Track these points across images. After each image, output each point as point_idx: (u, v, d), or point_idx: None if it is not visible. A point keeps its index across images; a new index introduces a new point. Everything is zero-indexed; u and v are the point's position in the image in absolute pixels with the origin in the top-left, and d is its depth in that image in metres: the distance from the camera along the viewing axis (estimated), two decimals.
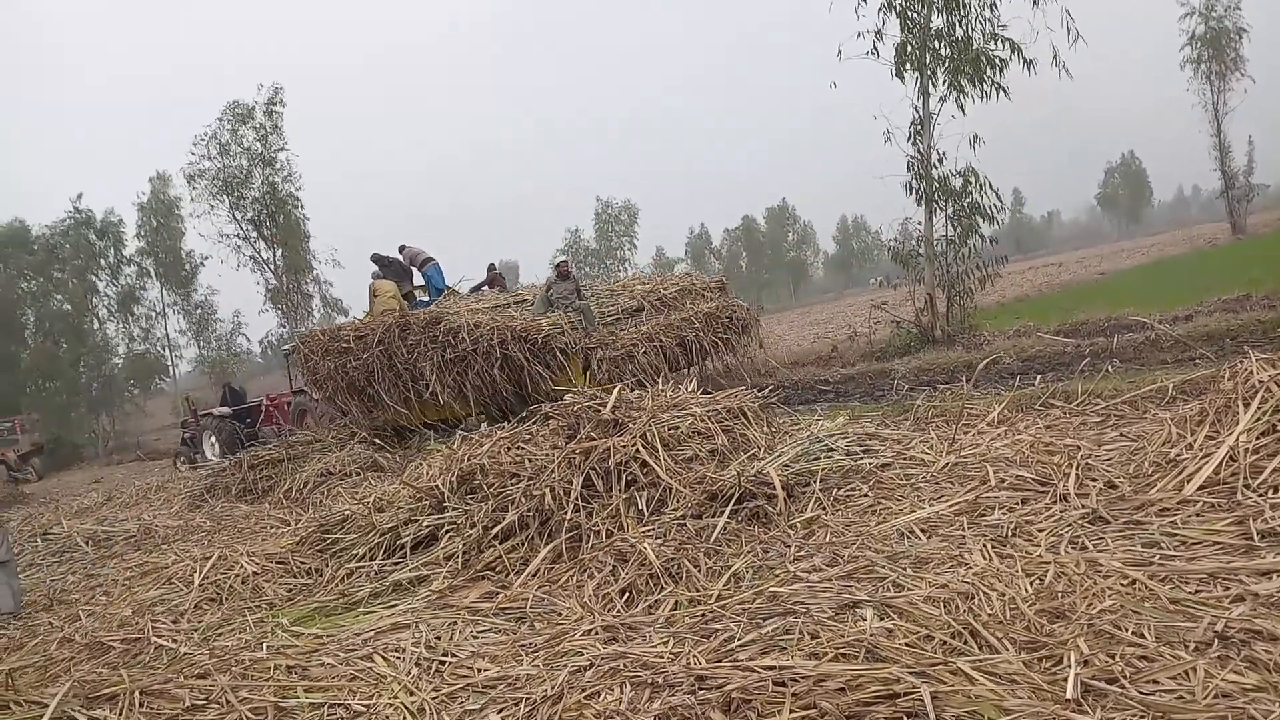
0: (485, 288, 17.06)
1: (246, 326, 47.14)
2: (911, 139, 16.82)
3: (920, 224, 17.46)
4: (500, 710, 3.90)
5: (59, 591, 8.53)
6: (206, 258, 44.11)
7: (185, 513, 12.74)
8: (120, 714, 4.19)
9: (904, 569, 4.51)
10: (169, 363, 48.59)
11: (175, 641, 5.84)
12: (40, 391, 45.85)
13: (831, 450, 6.77)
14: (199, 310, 47.42)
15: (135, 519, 12.52)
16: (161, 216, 45.59)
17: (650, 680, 3.78)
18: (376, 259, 17.32)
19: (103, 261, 46.35)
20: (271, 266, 38.47)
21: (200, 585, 7.17)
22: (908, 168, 16.91)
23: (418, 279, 17.36)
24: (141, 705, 4.32)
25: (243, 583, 7.14)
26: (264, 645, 5.37)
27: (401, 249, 17.37)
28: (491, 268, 18.06)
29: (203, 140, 38.23)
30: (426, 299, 16.49)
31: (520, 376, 13.06)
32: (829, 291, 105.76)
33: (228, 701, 4.33)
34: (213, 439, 21.95)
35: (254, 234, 38.40)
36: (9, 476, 31.66)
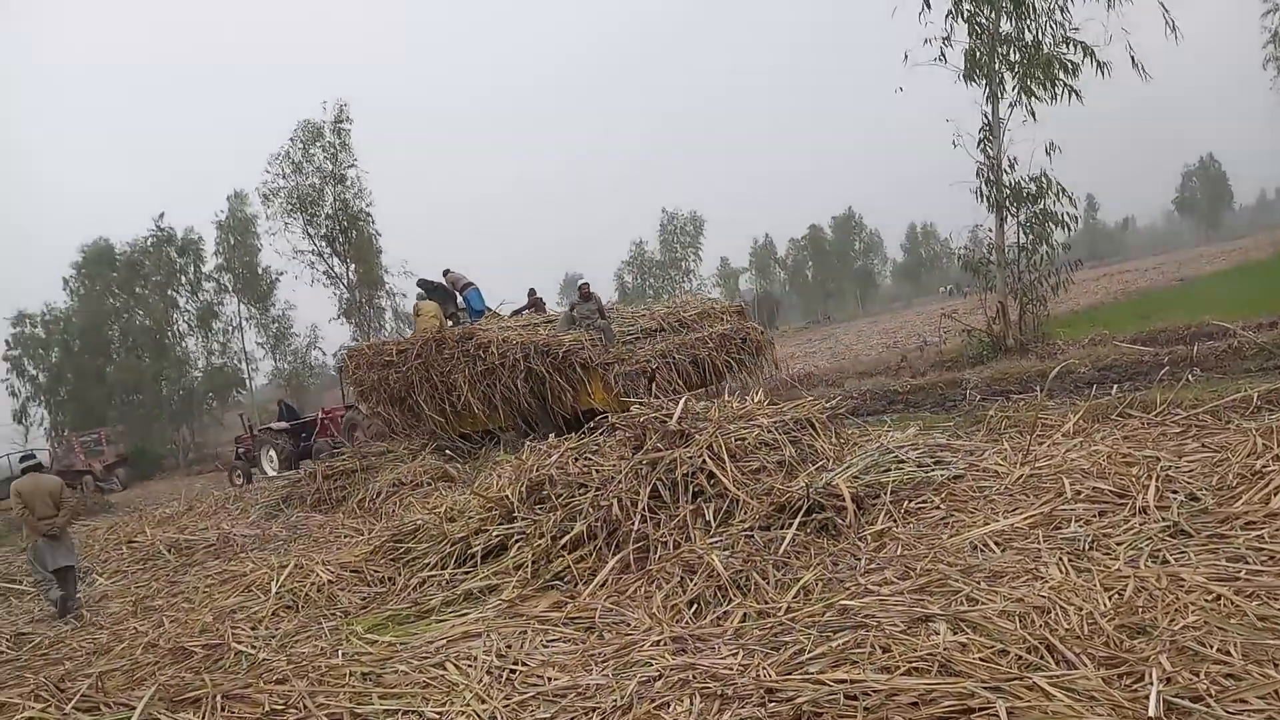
0: (525, 310, 18.00)
1: (322, 340, 48.02)
2: (981, 145, 16.57)
3: (991, 231, 17.16)
4: (570, 719, 3.92)
5: (144, 598, 8.82)
6: (282, 273, 45.29)
7: (262, 522, 13.06)
8: (203, 718, 4.31)
9: (978, 583, 4.44)
10: (246, 375, 49.74)
11: (254, 648, 5.99)
12: (124, 404, 47.30)
13: (902, 462, 6.68)
14: (275, 324, 48.52)
15: (214, 528, 12.89)
16: (239, 234, 46.77)
17: (720, 692, 3.78)
18: (422, 284, 18.45)
19: (183, 278, 47.73)
20: (345, 281, 39.30)
21: (277, 593, 7.36)
22: (977, 174, 16.65)
23: (461, 302, 18.03)
24: (223, 709, 4.44)
25: (318, 591, 7.30)
26: (339, 652, 5.48)
27: (445, 273, 18.27)
28: (532, 292, 18.76)
29: (277, 160, 39.34)
30: (467, 320, 17.21)
31: (543, 388, 13.94)
32: (897, 300, 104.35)
33: (305, 707, 4.43)
34: (271, 453, 22.97)
35: (327, 250, 39.30)
36: (95, 486, 32.79)
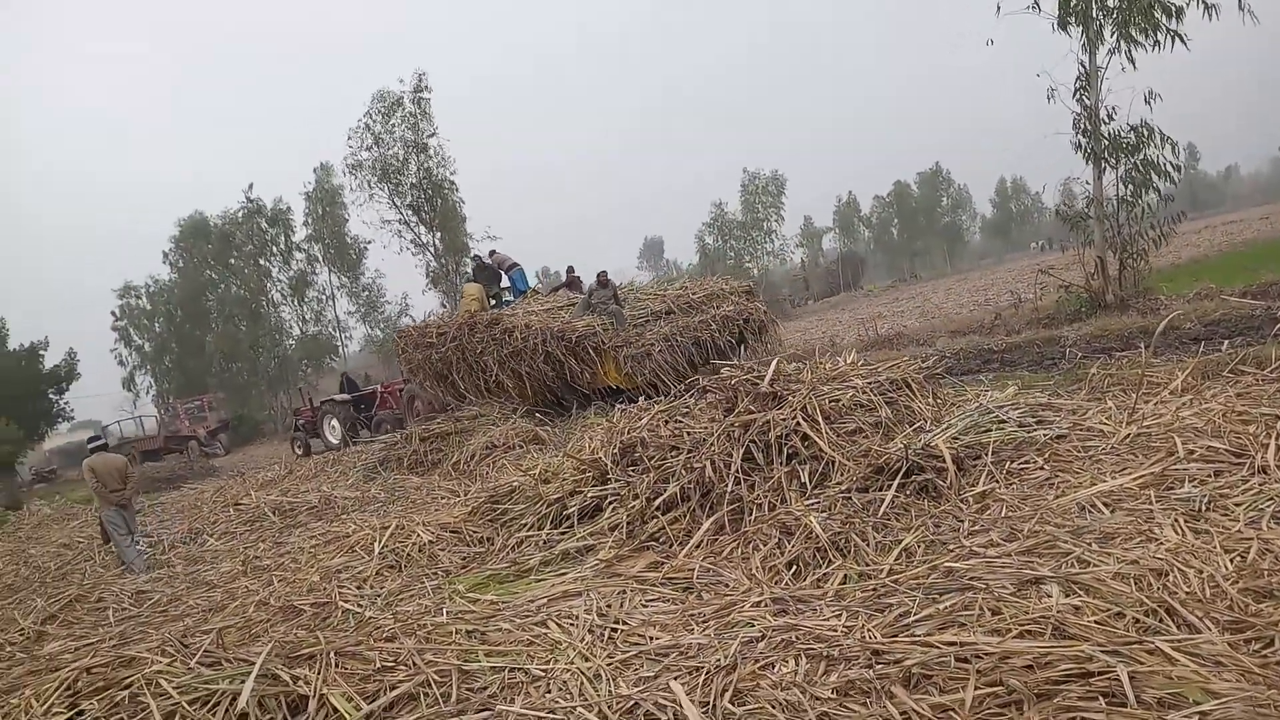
0: (563, 289, 18.93)
1: (413, 308, 48.92)
2: (1077, 95, 15.93)
3: (1088, 183, 16.54)
4: (675, 678, 3.95)
5: (252, 558, 9.16)
6: (370, 242, 46.22)
7: (361, 484, 13.44)
8: (318, 673, 4.45)
9: (1088, 544, 4.32)
10: (339, 343, 51.04)
11: (360, 606, 6.18)
12: (224, 372, 49.04)
13: (1002, 421, 6.52)
14: (366, 293, 49.59)
15: (315, 490, 13.31)
16: (326, 204, 47.75)
17: (825, 653, 3.77)
18: (474, 259, 20.67)
19: (274, 248, 49.03)
20: (431, 249, 39.94)
21: (380, 553, 7.57)
22: (1074, 125, 16.03)
23: (506, 282, 19.65)
24: (336, 665, 4.58)
25: (419, 551, 7.49)
26: (443, 610, 5.62)
27: (491, 254, 20.25)
28: (570, 270, 19.63)
29: (357, 132, 40.02)
30: (511, 298, 18.86)
31: (561, 369, 15.41)
32: (987, 257, 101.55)
33: (415, 664, 4.55)
34: (333, 422, 24.34)
35: (414, 219, 39.94)
36: (200, 450, 34.17)
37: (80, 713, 4.26)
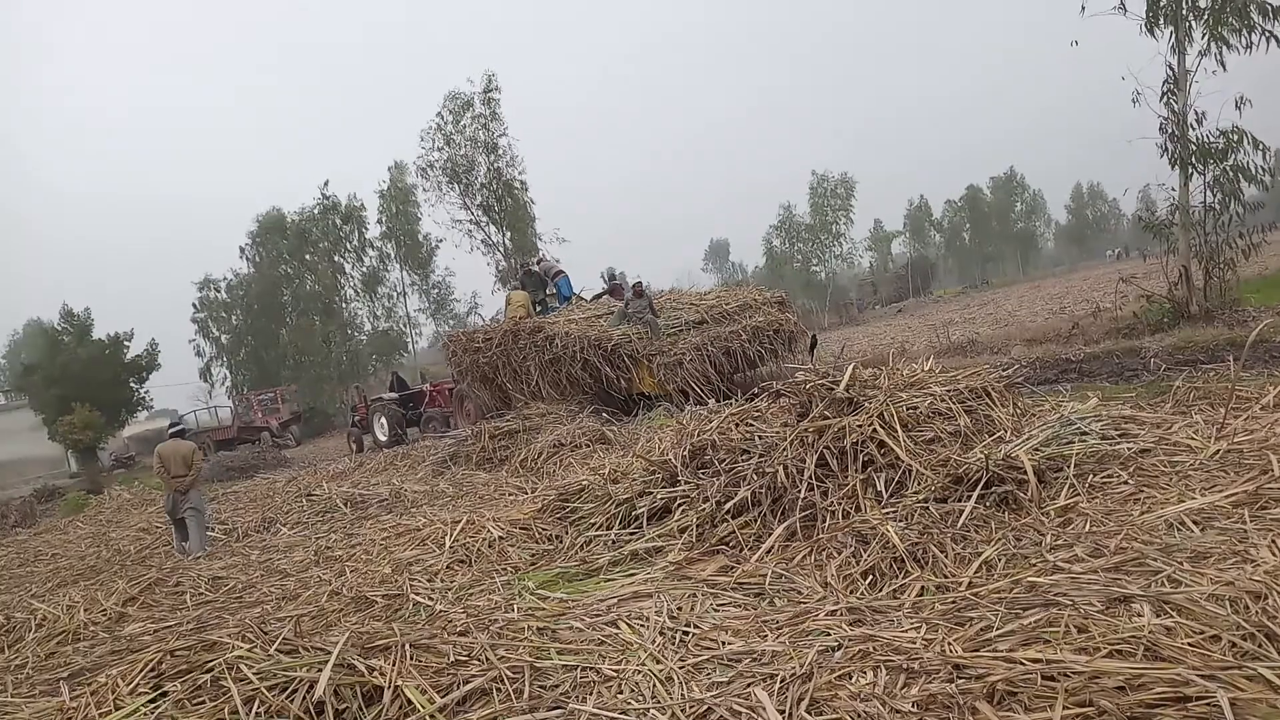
0: (604, 295, 20.03)
1: (481, 307, 49.44)
2: (1165, 98, 15.50)
3: (1173, 190, 16.07)
4: (749, 684, 3.92)
5: (324, 548, 9.32)
6: (441, 240, 46.91)
7: (430, 479, 13.59)
8: (393, 664, 4.50)
9: (1179, 563, 4.17)
10: (409, 339, 51.84)
11: (432, 599, 6.25)
12: (297, 365, 50.07)
13: (1084, 434, 6.36)
14: (436, 290, 50.29)
15: (386, 483, 13.50)
16: (400, 203, 48.52)
17: (904, 666, 3.70)
18: (521, 266, 22.00)
19: (348, 245, 49.96)
20: (501, 249, 40.36)
21: (451, 548, 7.64)
22: (1160, 129, 15.60)
23: (552, 289, 20.65)
24: (411, 657, 4.62)
25: (489, 546, 7.54)
26: (514, 607, 5.65)
27: (538, 262, 21.51)
28: (612, 277, 20.80)
29: (429, 133, 40.64)
30: (556, 305, 19.80)
31: (598, 375, 16.10)
32: (1060, 264, 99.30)
33: (488, 659, 4.57)
34: (382, 420, 25.07)
35: (484, 219, 40.41)
36: (272, 441, 34.97)
37: (164, 693, 4.36)
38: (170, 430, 11.69)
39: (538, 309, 19.47)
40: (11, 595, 10.65)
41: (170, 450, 10.90)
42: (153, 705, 4.29)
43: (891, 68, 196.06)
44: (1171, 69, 15.48)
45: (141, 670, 4.62)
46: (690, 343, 15.99)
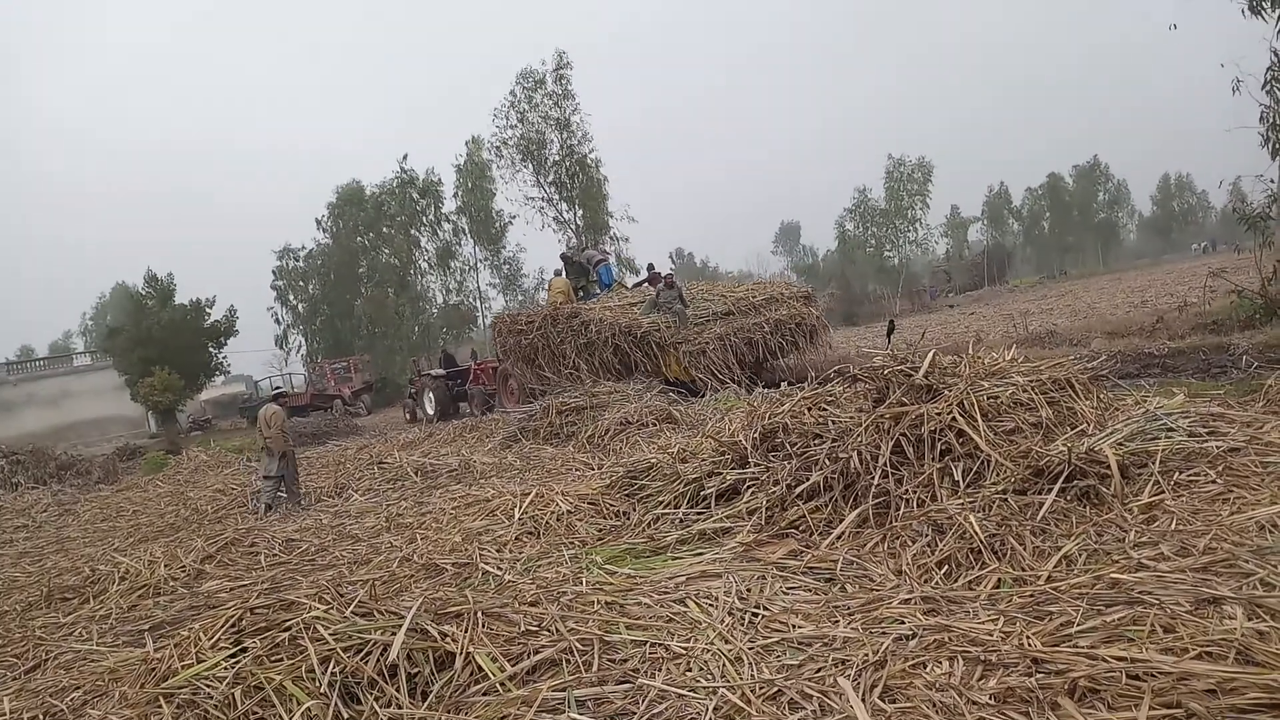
0: (645, 284, 20.80)
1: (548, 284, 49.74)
2: (1268, 86, 14.86)
3: (1272, 181, 15.44)
4: (819, 669, 3.88)
5: (395, 515, 9.47)
6: (514, 217, 47.25)
7: (498, 451, 13.73)
8: (465, 631, 4.56)
9: (1273, 566, 4.02)
10: (479, 313, 52.38)
11: (501, 569, 6.31)
12: (369, 335, 50.97)
13: (1170, 430, 6.15)
14: (506, 266, 50.73)
15: (455, 454, 13.67)
16: (475, 178, 48.93)
17: (981, 657, 3.63)
18: (564, 257, 23.01)
19: (424, 219, 50.57)
20: (572, 226, 40.53)
21: (519, 519, 7.71)
22: (1261, 119, 14.98)
23: (594, 275, 21.69)
24: (482, 625, 4.68)
25: (557, 519, 7.60)
26: (582, 580, 5.68)
27: (581, 250, 22.87)
28: (651, 267, 21.68)
29: (502, 111, 40.91)
30: (598, 291, 21.01)
31: (628, 359, 17.25)
32: (1143, 256, 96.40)
33: (558, 630, 4.61)
34: (430, 394, 26.66)
35: (556, 196, 40.60)
36: (344, 409, 35.68)
37: (243, 649, 4.47)
38: (275, 393, 12.79)
39: (580, 295, 20.73)
40: (96, 549, 11.06)
41: (271, 413, 11.95)
42: (232, 660, 4.41)
43: (974, 54, 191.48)
44: (1276, 54, 14.83)
45: (222, 625, 4.75)
46: (714, 333, 17.06)
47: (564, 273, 22.05)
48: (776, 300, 18.65)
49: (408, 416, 27.69)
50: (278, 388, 13.65)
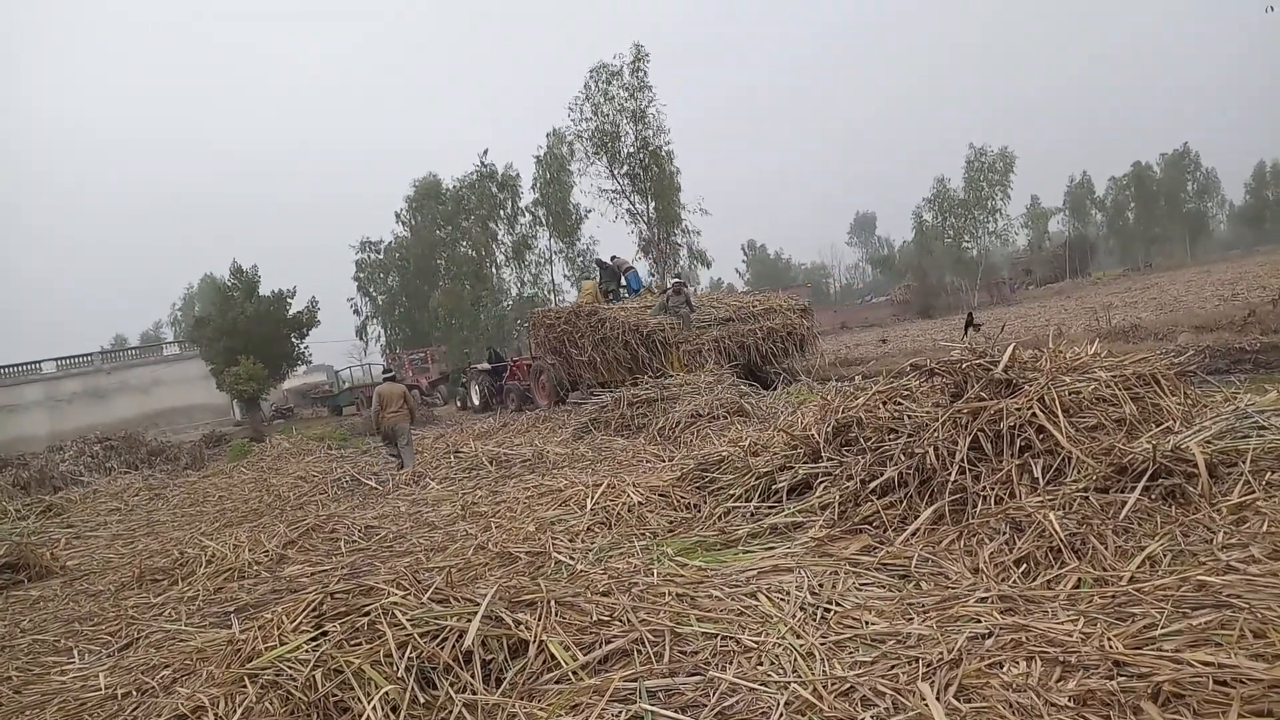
0: (671, 293, 21.66)
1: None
2: None
3: None
4: (893, 666, 3.85)
5: (471, 504, 9.63)
6: (590, 210, 47.44)
7: (570, 442, 13.85)
8: (538, 620, 4.62)
9: None
10: (553, 306, 52.66)
11: (573, 559, 6.36)
12: (446, 327, 51.69)
13: (1263, 428, 5.92)
14: (580, 259, 50.93)
15: (529, 444, 13.83)
16: (555, 170, 49.16)
17: (1060, 658, 3.56)
18: (598, 263, 26.07)
19: (502, 212, 51.03)
20: (645, 219, 40.56)
21: (591, 510, 7.76)
22: None
23: (623, 280, 23.59)
24: (555, 614, 4.74)
25: (629, 511, 7.63)
26: (653, 571, 5.70)
27: (612, 258, 24.90)
28: (677, 276, 24.36)
29: (577, 104, 41.07)
30: (626, 295, 22.87)
31: (635, 355, 19.20)
32: (1234, 248, 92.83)
33: (629, 621, 4.64)
34: (475, 386, 30.01)
35: (629, 188, 40.65)
36: (421, 400, 36.35)
37: (324, 633, 4.60)
38: (384, 375, 15.43)
39: (609, 298, 22.75)
40: (184, 532, 11.46)
41: (387, 391, 13.94)
42: (313, 643, 4.53)
43: (1055, 41, 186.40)
44: None
45: (304, 609, 4.88)
46: (712, 336, 19.06)
47: (598, 276, 24.50)
48: (774, 311, 20.64)
49: (458, 405, 31.01)
50: (388, 369, 15.11)
